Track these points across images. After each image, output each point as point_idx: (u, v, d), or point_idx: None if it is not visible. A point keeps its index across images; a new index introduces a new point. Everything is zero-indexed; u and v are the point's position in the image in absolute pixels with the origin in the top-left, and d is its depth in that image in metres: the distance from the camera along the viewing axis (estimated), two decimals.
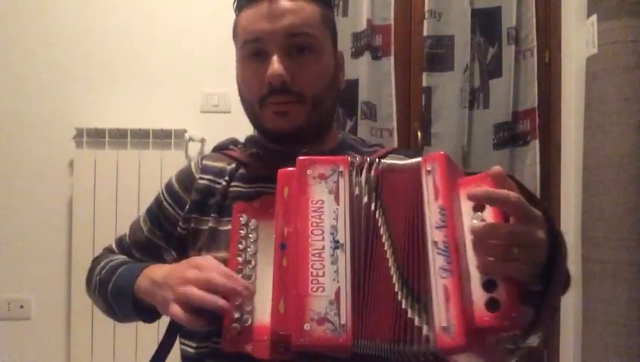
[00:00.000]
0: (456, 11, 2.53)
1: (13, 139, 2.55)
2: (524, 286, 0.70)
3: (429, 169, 0.74)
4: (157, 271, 0.90)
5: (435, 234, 0.70)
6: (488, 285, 0.69)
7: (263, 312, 0.77)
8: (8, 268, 2.51)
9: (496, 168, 0.71)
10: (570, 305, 2.28)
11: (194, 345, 0.94)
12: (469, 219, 0.72)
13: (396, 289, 0.71)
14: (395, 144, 2.45)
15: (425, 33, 2.53)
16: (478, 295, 0.68)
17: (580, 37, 2.25)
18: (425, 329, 0.68)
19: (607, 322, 1.95)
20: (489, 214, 0.71)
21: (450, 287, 0.67)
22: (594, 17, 2.07)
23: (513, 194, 0.68)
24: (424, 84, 2.52)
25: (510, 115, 2.50)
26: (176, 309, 0.79)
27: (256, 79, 0.95)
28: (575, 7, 2.33)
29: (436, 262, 0.69)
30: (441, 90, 2.52)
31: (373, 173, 0.78)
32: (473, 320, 0.67)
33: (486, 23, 2.55)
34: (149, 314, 0.96)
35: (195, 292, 0.78)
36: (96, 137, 2.49)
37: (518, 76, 2.52)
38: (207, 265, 0.82)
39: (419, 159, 0.76)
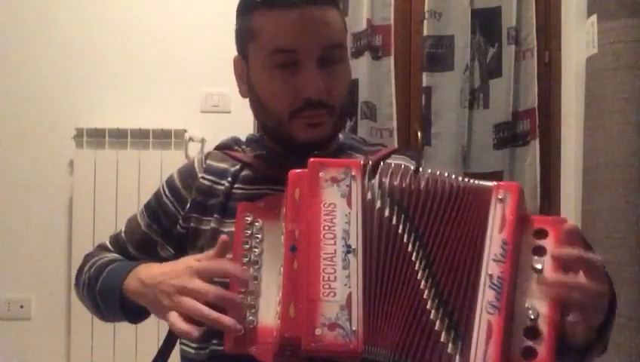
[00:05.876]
0: (456, 11, 2.53)
1: (14, 139, 2.55)
2: (569, 343, 0.70)
3: (500, 197, 0.72)
4: (148, 272, 0.88)
5: (491, 267, 0.69)
6: (529, 332, 0.67)
7: (267, 314, 0.77)
8: (8, 267, 2.51)
9: (572, 224, 0.70)
10: None
11: (194, 346, 0.93)
12: (528, 261, 0.70)
13: (429, 307, 0.70)
14: (395, 144, 2.45)
15: (425, 33, 2.53)
16: (518, 340, 0.67)
17: (580, 37, 2.25)
18: (457, 359, 0.68)
19: None
20: (549, 260, 0.70)
21: (494, 325, 0.66)
22: (594, 17, 2.07)
23: (598, 260, 0.68)
24: (424, 84, 2.52)
25: (510, 115, 2.50)
26: (175, 318, 0.78)
27: (287, 92, 0.90)
28: (575, 7, 2.33)
29: (486, 295, 0.68)
30: (441, 90, 2.52)
31: (407, 182, 0.76)
32: None
33: (486, 23, 2.55)
34: (137, 314, 0.95)
35: (197, 306, 0.76)
36: (96, 137, 2.49)
37: (518, 76, 2.52)
38: (208, 270, 0.80)
39: (490, 184, 0.74)
